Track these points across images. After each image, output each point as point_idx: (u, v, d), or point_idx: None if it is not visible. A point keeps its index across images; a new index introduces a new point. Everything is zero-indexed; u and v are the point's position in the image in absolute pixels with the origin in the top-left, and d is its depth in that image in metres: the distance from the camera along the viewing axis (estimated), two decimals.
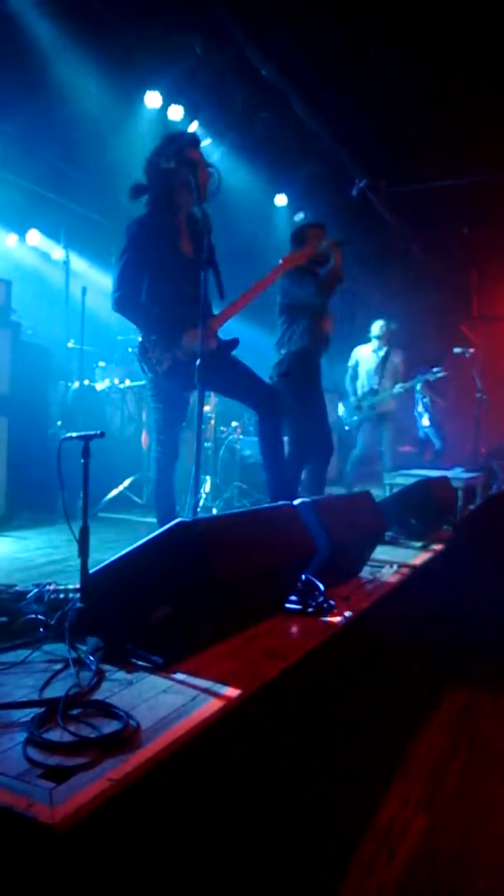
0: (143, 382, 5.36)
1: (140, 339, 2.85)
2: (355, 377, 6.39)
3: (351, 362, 6.48)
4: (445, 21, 5.28)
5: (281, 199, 7.95)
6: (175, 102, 5.98)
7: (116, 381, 5.47)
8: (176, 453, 2.95)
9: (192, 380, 2.76)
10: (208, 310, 2.88)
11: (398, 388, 6.22)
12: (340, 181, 7.59)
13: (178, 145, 2.74)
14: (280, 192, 7.84)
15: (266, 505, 2.75)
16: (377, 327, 6.38)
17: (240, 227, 6.79)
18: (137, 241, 2.76)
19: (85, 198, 6.22)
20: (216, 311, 2.92)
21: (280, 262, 3.17)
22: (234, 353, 2.96)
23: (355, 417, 6.34)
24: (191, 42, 5.45)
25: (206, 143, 6.49)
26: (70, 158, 5.77)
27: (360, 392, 6.31)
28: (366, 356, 6.38)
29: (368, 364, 6.34)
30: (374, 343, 6.37)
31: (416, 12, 5.18)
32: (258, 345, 6.68)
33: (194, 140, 2.85)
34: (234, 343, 2.85)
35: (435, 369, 6.40)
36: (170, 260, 2.79)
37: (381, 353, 6.31)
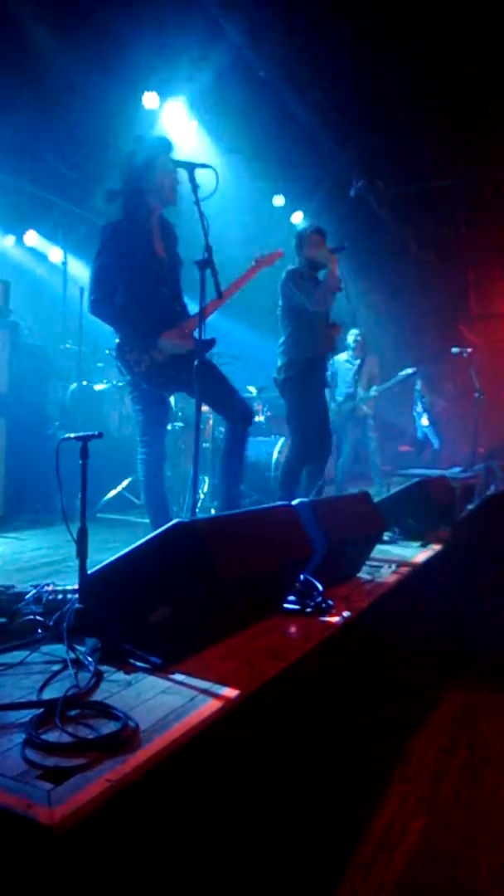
0: None
1: (117, 340, 2.89)
2: (333, 385, 6.57)
3: (328, 371, 6.62)
4: (443, 21, 5.28)
5: (279, 200, 7.96)
6: (173, 102, 5.99)
7: (115, 381, 5.47)
8: (162, 454, 2.97)
9: (171, 381, 2.81)
10: (184, 310, 2.94)
11: (374, 390, 6.58)
12: (338, 182, 7.60)
13: (150, 150, 2.82)
14: (278, 192, 7.85)
15: (265, 506, 2.75)
16: (352, 337, 6.66)
17: (238, 228, 6.80)
18: (111, 244, 2.81)
19: (83, 199, 6.22)
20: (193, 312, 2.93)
21: (253, 263, 3.16)
22: (226, 359, 3.06)
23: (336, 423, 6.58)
24: (188, 43, 5.45)
25: (203, 143, 6.50)
26: (68, 159, 5.77)
27: (338, 399, 6.55)
28: (342, 364, 6.63)
29: (345, 372, 6.63)
30: (349, 353, 6.66)
31: (415, 13, 5.18)
32: (254, 348, 6.71)
33: (165, 145, 2.88)
34: (210, 343, 2.83)
35: (408, 369, 6.65)
36: (143, 262, 2.83)
37: (357, 361, 6.65)
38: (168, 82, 5.77)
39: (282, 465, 4.11)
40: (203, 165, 2.72)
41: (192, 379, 2.69)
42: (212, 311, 2.84)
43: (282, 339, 4.00)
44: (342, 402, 6.55)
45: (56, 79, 4.94)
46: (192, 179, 2.66)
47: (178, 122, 6.16)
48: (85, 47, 4.90)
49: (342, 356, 6.64)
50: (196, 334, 2.75)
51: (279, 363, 3.99)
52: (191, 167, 2.69)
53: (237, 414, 3.02)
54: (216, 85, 5.96)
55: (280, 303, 4.01)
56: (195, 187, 2.64)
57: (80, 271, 5.89)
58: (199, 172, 2.69)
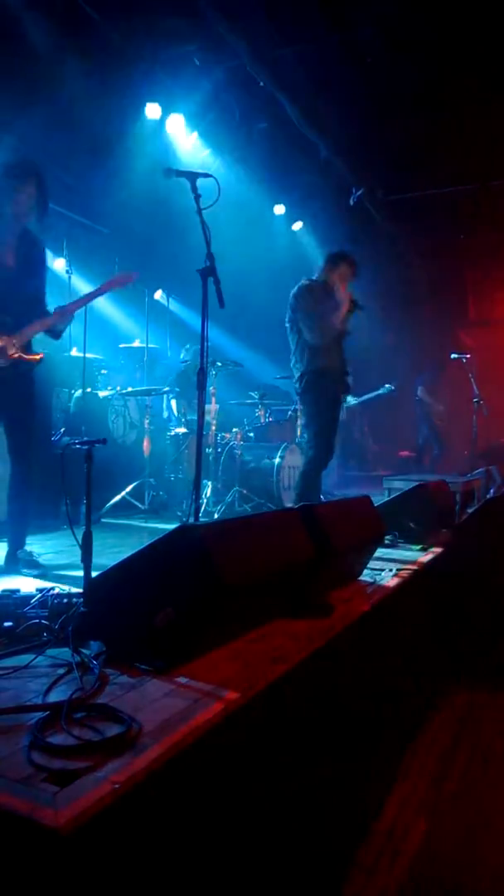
0: (145, 388, 5.41)
1: None
2: None
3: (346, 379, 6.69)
4: (440, 30, 5.33)
5: (279, 209, 8.00)
6: (174, 113, 6.05)
7: (119, 388, 5.50)
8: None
9: None
10: (14, 319, 2.82)
11: (351, 400, 6.73)
12: (338, 190, 7.64)
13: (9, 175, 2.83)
14: (278, 201, 7.90)
15: (266, 510, 2.76)
16: None
17: (239, 236, 6.83)
18: None
19: (86, 208, 6.26)
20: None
21: (112, 278, 3.14)
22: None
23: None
24: (190, 54, 5.51)
25: (205, 153, 6.55)
26: (71, 169, 5.81)
27: None
28: None
29: None
30: None
31: (412, 22, 5.23)
32: (254, 357, 6.74)
33: (26, 175, 2.85)
34: (32, 363, 2.83)
35: (388, 385, 6.80)
36: None
37: None
38: (168, 93, 5.83)
39: (301, 475, 4.12)
40: (204, 175, 2.74)
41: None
42: (52, 323, 2.88)
43: (293, 350, 4.04)
44: None
45: (58, 89, 4.99)
46: (193, 189, 2.68)
47: (178, 132, 6.22)
48: (88, 59, 4.95)
49: None
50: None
51: (295, 374, 4.05)
52: (192, 177, 2.71)
53: (17, 450, 2.90)
54: (215, 96, 6.01)
55: (289, 314, 4.01)
56: (197, 197, 2.66)
57: (85, 280, 5.93)
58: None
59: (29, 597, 1.81)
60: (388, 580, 2.54)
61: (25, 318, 2.82)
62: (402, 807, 1.77)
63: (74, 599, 1.74)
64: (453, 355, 7.68)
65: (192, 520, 2.80)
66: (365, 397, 6.76)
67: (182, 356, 6.16)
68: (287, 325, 4.06)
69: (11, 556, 2.79)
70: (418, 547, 3.21)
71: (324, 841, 1.57)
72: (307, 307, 3.92)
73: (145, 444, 5.14)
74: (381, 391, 6.79)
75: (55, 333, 3.01)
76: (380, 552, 2.85)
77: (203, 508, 4.70)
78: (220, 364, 5.31)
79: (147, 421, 5.25)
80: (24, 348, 2.82)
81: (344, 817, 1.69)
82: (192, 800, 1.18)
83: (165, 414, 5.92)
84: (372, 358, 7.87)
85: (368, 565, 2.65)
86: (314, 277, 4.09)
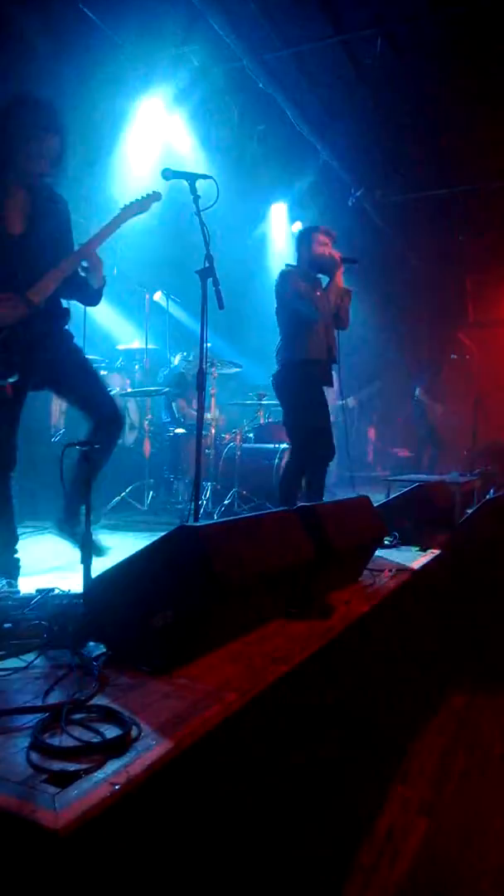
0: (144, 389, 5.40)
1: None
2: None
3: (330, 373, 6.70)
4: (439, 34, 5.34)
5: (278, 210, 8.02)
6: (173, 114, 6.05)
7: (118, 388, 5.49)
8: (9, 460, 2.50)
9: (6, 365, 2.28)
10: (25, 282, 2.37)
11: (350, 400, 6.80)
12: (337, 192, 7.66)
13: (24, 108, 2.35)
14: (277, 202, 7.91)
15: (265, 511, 2.75)
16: None
17: (238, 238, 6.84)
18: None
19: (84, 208, 6.26)
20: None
21: (119, 210, 2.65)
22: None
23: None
24: (188, 55, 5.52)
25: (203, 154, 6.55)
26: (68, 170, 5.81)
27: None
28: None
29: None
30: None
31: (412, 25, 5.25)
32: (256, 355, 6.75)
33: (33, 110, 2.38)
34: (63, 315, 2.45)
35: (376, 382, 6.82)
36: None
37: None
38: (166, 95, 5.84)
39: (281, 472, 4.06)
40: (204, 176, 2.75)
41: (40, 365, 2.31)
42: (68, 268, 2.41)
43: (278, 341, 3.89)
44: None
45: (57, 90, 4.99)
46: (192, 190, 2.69)
47: (177, 133, 6.22)
48: (85, 60, 4.96)
49: None
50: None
51: (277, 367, 3.88)
52: (191, 178, 2.72)
53: (100, 418, 2.55)
54: (214, 97, 6.02)
55: (276, 305, 3.86)
56: (196, 198, 2.66)
57: None
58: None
59: (28, 598, 1.81)
60: (389, 581, 2.55)
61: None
62: (402, 808, 1.77)
63: (74, 600, 1.74)
64: (453, 356, 7.70)
65: (191, 520, 2.80)
66: (361, 393, 6.78)
67: (178, 361, 6.19)
68: (276, 316, 3.91)
69: (73, 514, 2.51)
70: (417, 548, 3.21)
71: (324, 841, 1.57)
72: (293, 285, 3.77)
73: (145, 445, 5.14)
74: (370, 388, 6.82)
75: (87, 292, 2.56)
76: (379, 553, 2.85)
77: (203, 509, 4.70)
78: (219, 364, 5.31)
79: (147, 422, 5.25)
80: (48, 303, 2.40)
81: (344, 818, 1.69)
82: (192, 801, 1.18)
83: (166, 416, 5.92)
84: (370, 358, 7.89)
85: (368, 566, 2.65)
86: (294, 264, 3.95)
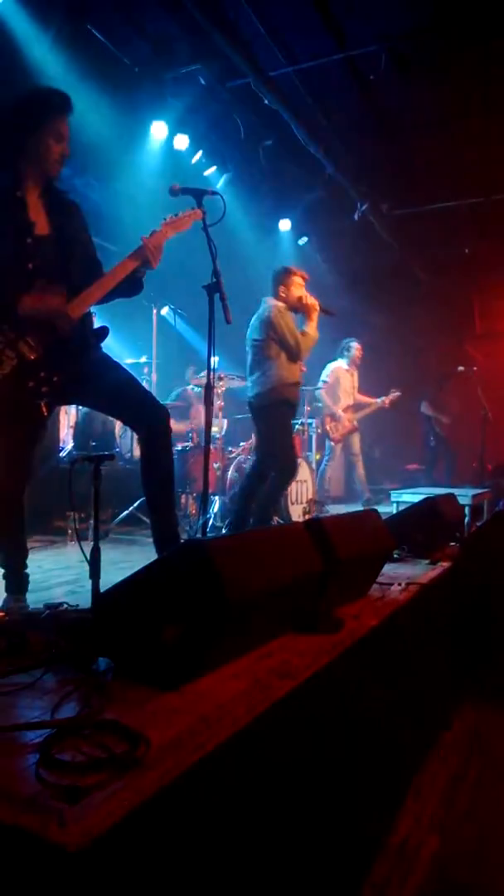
0: None
1: None
2: (334, 394, 6.58)
3: (329, 378, 6.65)
4: (443, 46, 5.41)
5: (285, 225, 8.08)
6: (180, 132, 6.14)
7: None
8: (22, 474, 2.40)
9: (44, 385, 2.18)
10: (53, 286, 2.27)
11: (379, 400, 6.73)
12: (343, 205, 7.72)
13: (40, 104, 2.30)
14: (283, 217, 7.98)
15: (261, 526, 2.74)
16: (357, 348, 6.74)
17: (244, 253, 6.90)
18: None
19: (94, 226, 6.34)
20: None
21: (160, 227, 2.55)
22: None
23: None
24: (195, 74, 5.61)
25: (211, 170, 6.63)
26: (78, 187, 5.90)
27: (342, 409, 6.60)
28: (344, 374, 6.68)
29: (346, 382, 6.66)
30: (346, 362, 6.73)
31: (415, 39, 5.31)
32: None
33: (60, 103, 2.33)
34: (102, 333, 2.37)
35: (393, 391, 6.82)
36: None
37: (356, 372, 6.76)
38: (174, 113, 5.93)
39: (266, 495, 4.11)
40: (211, 192, 2.78)
41: (78, 378, 2.22)
42: (100, 295, 2.34)
43: (264, 366, 4.03)
44: (345, 410, 6.60)
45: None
46: (200, 206, 2.72)
47: (184, 150, 6.30)
48: (94, 78, 5.05)
49: (342, 365, 6.68)
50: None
51: (260, 390, 4.04)
52: (199, 194, 2.75)
53: (141, 417, 2.43)
54: (221, 114, 6.10)
55: (266, 332, 4.01)
56: (203, 213, 2.69)
57: None
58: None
59: (37, 612, 1.81)
60: (398, 595, 2.53)
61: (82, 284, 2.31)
62: (413, 825, 1.75)
63: (82, 615, 1.75)
64: (460, 368, 7.70)
65: (199, 535, 2.80)
66: (366, 411, 6.76)
67: (186, 377, 6.23)
68: (257, 341, 4.06)
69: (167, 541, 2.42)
70: (427, 561, 3.19)
71: (335, 858, 1.55)
72: (290, 325, 4.02)
73: None
74: (377, 402, 6.81)
75: (132, 282, 2.49)
76: (388, 567, 2.84)
77: (211, 523, 4.70)
78: (226, 377, 5.34)
79: None
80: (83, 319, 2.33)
81: (355, 834, 1.67)
82: (201, 816, 1.17)
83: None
84: (377, 372, 7.89)
85: (377, 580, 2.64)
86: (276, 300, 4.14)
